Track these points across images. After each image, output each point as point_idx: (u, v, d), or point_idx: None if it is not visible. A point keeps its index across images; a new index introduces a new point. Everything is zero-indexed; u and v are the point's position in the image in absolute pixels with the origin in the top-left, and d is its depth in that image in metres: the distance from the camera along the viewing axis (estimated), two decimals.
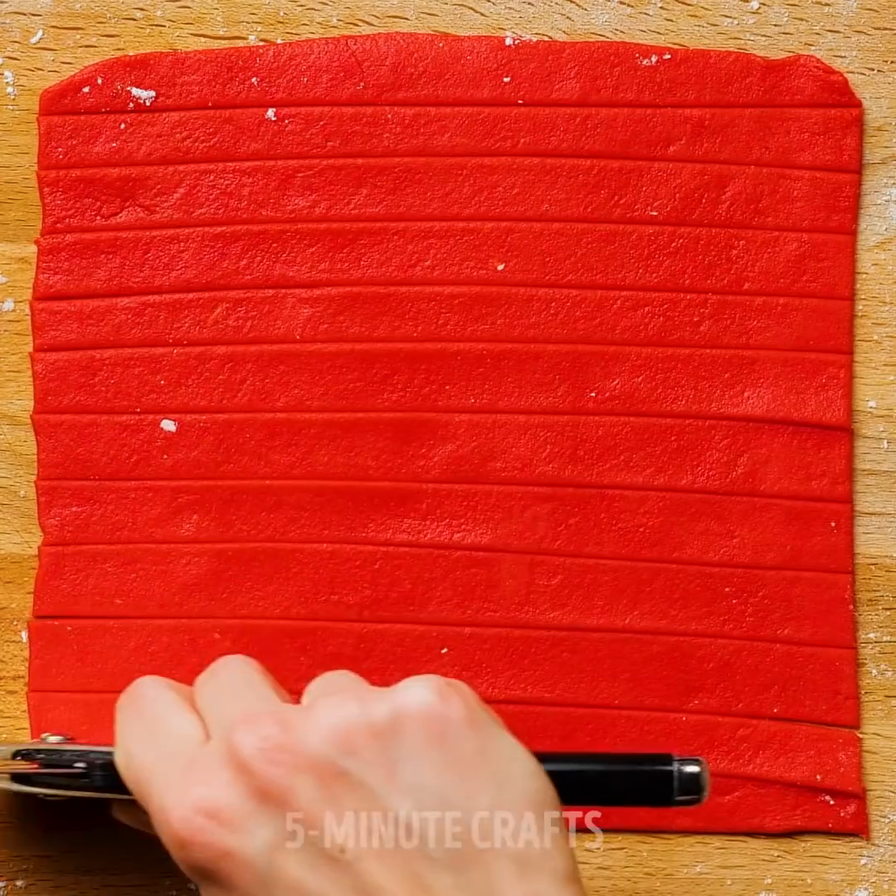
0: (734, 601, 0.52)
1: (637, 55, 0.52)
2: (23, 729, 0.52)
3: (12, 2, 0.52)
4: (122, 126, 0.52)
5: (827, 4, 0.52)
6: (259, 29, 0.52)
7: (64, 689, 0.52)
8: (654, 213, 0.52)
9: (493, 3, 0.52)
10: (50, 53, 0.52)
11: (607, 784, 0.45)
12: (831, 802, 0.52)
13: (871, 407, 0.53)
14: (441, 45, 0.52)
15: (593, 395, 0.52)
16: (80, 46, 0.52)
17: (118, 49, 0.52)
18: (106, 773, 0.46)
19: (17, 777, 0.47)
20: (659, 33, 0.52)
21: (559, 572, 0.52)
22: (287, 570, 0.52)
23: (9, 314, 0.52)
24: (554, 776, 0.42)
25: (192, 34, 0.52)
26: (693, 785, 0.44)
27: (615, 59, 0.52)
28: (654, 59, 0.52)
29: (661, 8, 0.52)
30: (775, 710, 0.52)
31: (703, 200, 0.52)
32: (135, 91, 0.52)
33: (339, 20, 0.52)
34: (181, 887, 0.52)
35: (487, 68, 0.52)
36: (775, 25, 0.52)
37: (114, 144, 0.52)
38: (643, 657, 0.52)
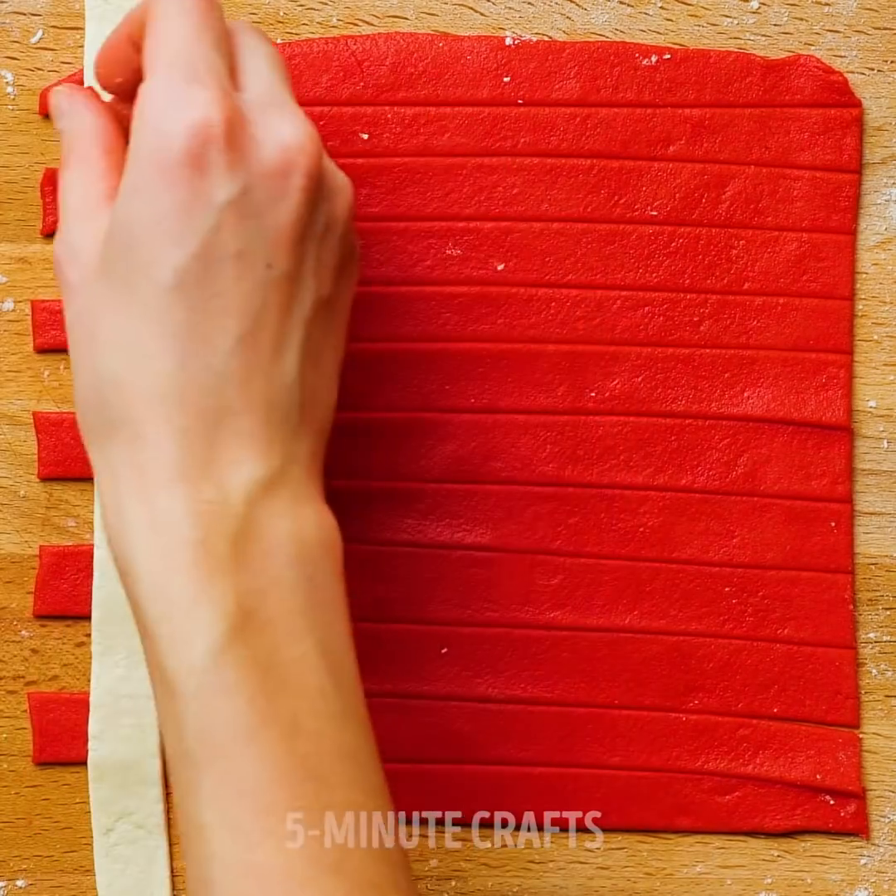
0: (734, 601, 0.52)
1: (637, 55, 0.52)
2: (23, 729, 0.52)
3: (12, 2, 0.52)
4: None
5: (827, 4, 0.52)
6: None
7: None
8: (654, 213, 0.52)
9: (493, 3, 0.52)
10: (50, 53, 0.52)
11: None
12: (831, 802, 0.52)
13: (871, 407, 0.53)
14: (441, 44, 0.52)
15: (593, 395, 0.52)
16: (80, 46, 0.52)
17: None
18: None
19: None
20: (659, 33, 0.52)
21: (559, 572, 0.52)
22: None
23: (9, 314, 0.52)
24: None
25: None
26: None
27: (615, 59, 0.52)
28: (654, 58, 0.52)
29: (661, 8, 0.52)
30: (775, 710, 0.52)
31: (703, 200, 0.52)
32: None
33: (339, 20, 0.52)
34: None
35: (487, 68, 0.52)
36: (775, 25, 0.52)
37: None
38: (643, 657, 0.52)
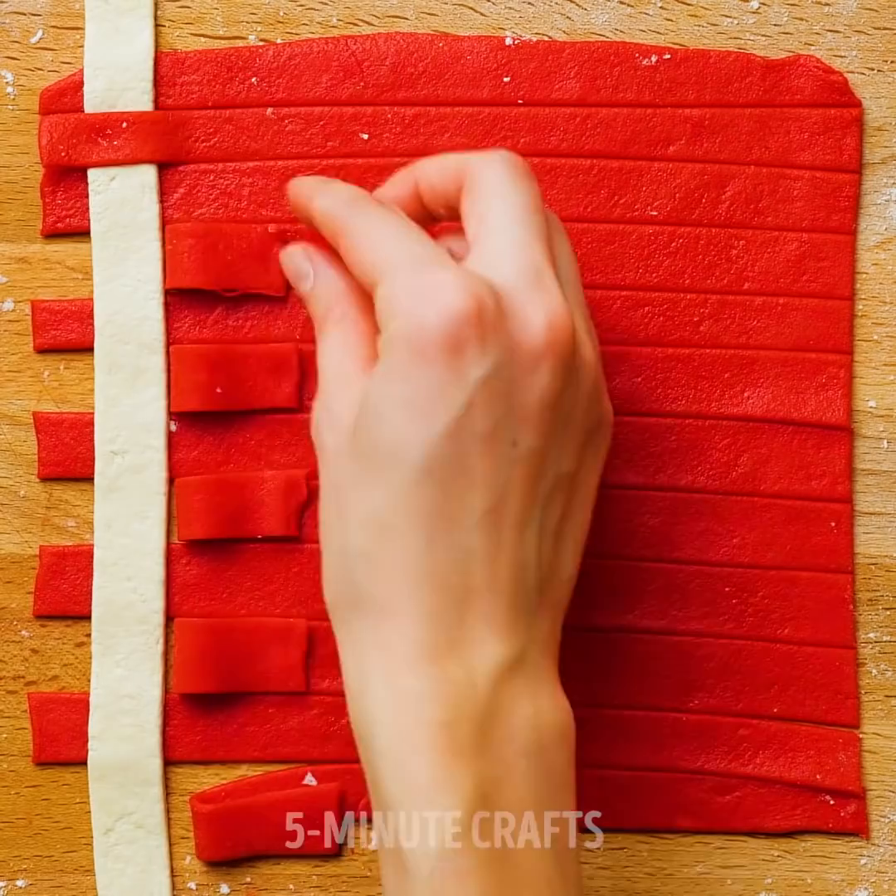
0: (734, 601, 0.52)
1: (637, 55, 0.52)
2: (23, 729, 0.52)
3: (12, 2, 0.52)
4: (124, 125, 0.52)
5: (827, 4, 0.52)
6: (259, 29, 0.52)
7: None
8: (654, 213, 0.52)
9: (493, 3, 0.52)
10: (50, 53, 0.52)
11: None
12: (831, 802, 0.52)
13: (871, 407, 0.53)
14: (441, 45, 0.52)
15: None
16: (80, 46, 0.52)
17: None
18: None
19: None
20: (659, 33, 0.52)
21: None
22: (287, 570, 0.52)
23: (9, 314, 0.52)
24: None
25: (192, 34, 0.52)
26: None
27: (615, 59, 0.52)
28: (654, 58, 0.52)
29: (661, 8, 0.52)
30: (775, 710, 0.52)
31: (703, 200, 0.52)
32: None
33: (339, 20, 0.52)
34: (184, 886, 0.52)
35: (487, 68, 0.52)
36: (775, 25, 0.52)
37: (115, 143, 0.52)
38: (643, 657, 0.52)
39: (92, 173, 0.52)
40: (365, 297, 0.43)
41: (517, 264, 0.42)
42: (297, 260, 0.46)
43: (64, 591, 0.52)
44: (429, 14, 0.53)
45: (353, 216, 0.43)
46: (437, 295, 0.40)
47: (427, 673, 0.40)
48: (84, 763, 0.52)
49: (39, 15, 0.52)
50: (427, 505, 0.40)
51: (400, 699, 0.40)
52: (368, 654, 0.41)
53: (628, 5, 0.52)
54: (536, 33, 0.52)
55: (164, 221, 0.52)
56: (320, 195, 0.45)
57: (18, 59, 0.52)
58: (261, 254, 0.51)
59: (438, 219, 0.46)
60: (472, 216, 0.43)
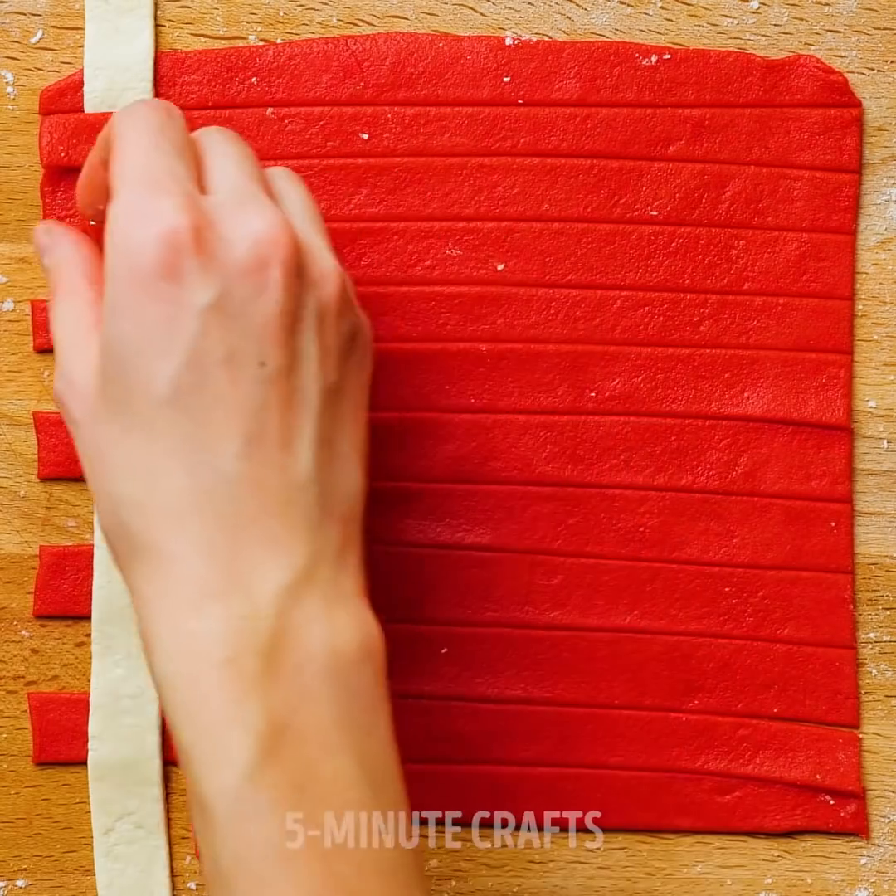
0: (734, 601, 0.52)
1: (637, 55, 0.52)
2: (23, 729, 0.52)
3: (12, 2, 0.52)
4: None
5: (827, 4, 0.52)
6: (259, 29, 0.52)
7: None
8: (654, 213, 0.52)
9: (493, 3, 0.52)
10: (50, 53, 0.52)
11: None
12: (831, 802, 0.52)
13: (871, 407, 0.53)
14: (441, 45, 0.52)
15: (593, 395, 0.52)
16: (80, 46, 0.52)
17: None
18: None
19: None
20: (659, 33, 0.52)
21: (559, 572, 0.52)
22: None
23: (9, 314, 0.52)
24: None
25: (192, 34, 0.52)
26: None
27: (615, 59, 0.52)
28: (654, 58, 0.52)
29: (661, 8, 0.52)
30: (775, 710, 0.52)
31: (703, 200, 0.52)
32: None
33: (339, 20, 0.52)
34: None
35: (487, 68, 0.52)
36: (775, 25, 0.52)
37: None
38: (643, 657, 0.52)
39: None
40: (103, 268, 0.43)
41: (228, 186, 0.42)
42: (40, 235, 0.46)
43: (64, 591, 0.52)
44: (429, 14, 0.53)
45: (125, 122, 0.43)
46: (151, 221, 0.40)
47: (210, 612, 0.39)
48: (84, 763, 0.52)
49: (39, 15, 0.52)
50: (183, 439, 0.40)
51: (186, 644, 0.39)
52: (152, 602, 0.40)
53: (628, 5, 0.52)
54: (536, 33, 0.52)
55: None
56: (124, 109, 0.44)
57: (18, 59, 0.52)
58: None
59: None
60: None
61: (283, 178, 0.45)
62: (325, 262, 0.43)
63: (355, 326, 0.44)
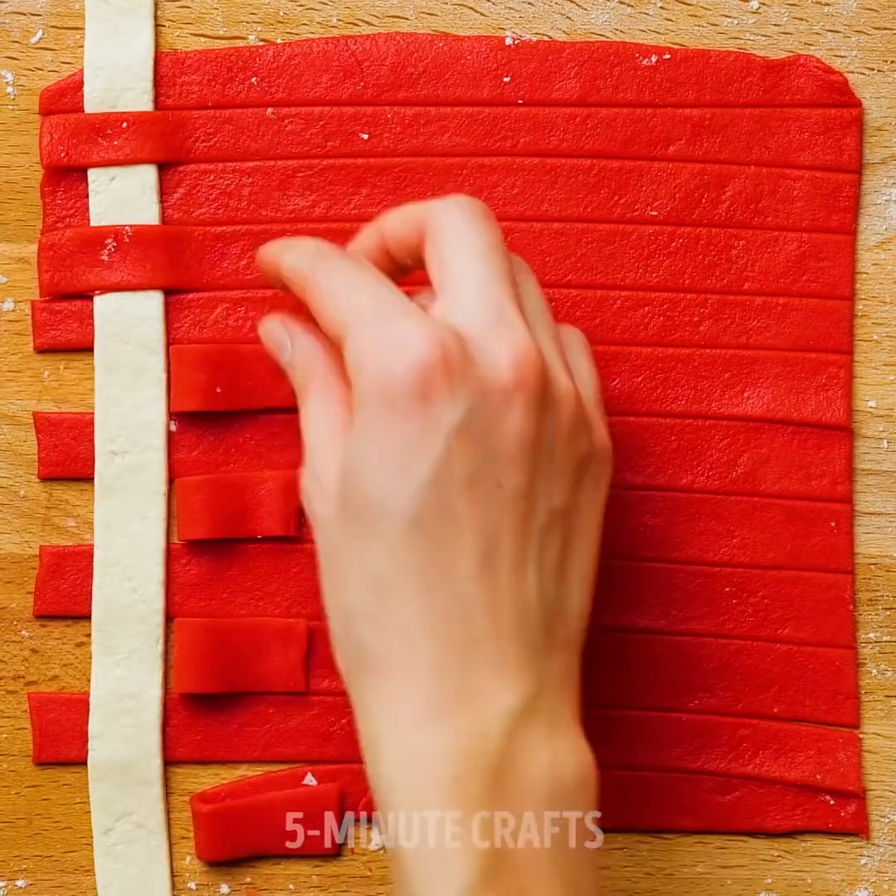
0: (734, 601, 0.52)
1: (637, 55, 0.52)
2: (23, 729, 0.52)
3: (12, 2, 0.52)
4: (124, 125, 0.52)
5: (827, 4, 0.52)
6: (259, 29, 0.52)
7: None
8: (654, 213, 0.52)
9: (493, 3, 0.52)
10: (50, 53, 0.52)
11: None
12: (831, 802, 0.52)
13: (871, 407, 0.53)
14: (441, 45, 0.52)
15: None
16: (80, 46, 0.52)
17: None
18: None
19: None
20: (659, 33, 0.52)
21: None
22: (287, 570, 0.52)
23: (9, 314, 0.52)
24: None
25: (192, 34, 0.52)
26: None
27: (615, 59, 0.52)
28: (654, 58, 0.52)
29: (661, 8, 0.52)
30: (775, 710, 0.52)
31: (703, 200, 0.52)
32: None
33: (339, 20, 0.52)
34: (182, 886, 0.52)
35: (487, 68, 0.52)
36: (775, 25, 0.52)
37: (115, 143, 0.52)
38: (643, 657, 0.52)
39: (92, 173, 0.52)
40: (343, 360, 0.43)
41: (480, 304, 0.42)
42: (275, 330, 0.46)
43: (64, 591, 0.52)
44: (429, 14, 0.53)
45: (318, 270, 0.43)
46: (401, 345, 0.40)
47: (437, 728, 0.40)
48: (84, 763, 0.52)
49: (39, 15, 0.52)
50: (420, 557, 0.40)
51: (411, 757, 0.40)
52: (378, 714, 0.41)
53: (628, 5, 0.52)
54: (536, 33, 0.52)
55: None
56: (286, 254, 0.45)
57: (18, 59, 0.52)
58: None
59: (407, 271, 0.46)
60: (433, 262, 0.43)
61: (523, 272, 0.44)
62: (562, 383, 0.42)
63: (593, 448, 0.43)
